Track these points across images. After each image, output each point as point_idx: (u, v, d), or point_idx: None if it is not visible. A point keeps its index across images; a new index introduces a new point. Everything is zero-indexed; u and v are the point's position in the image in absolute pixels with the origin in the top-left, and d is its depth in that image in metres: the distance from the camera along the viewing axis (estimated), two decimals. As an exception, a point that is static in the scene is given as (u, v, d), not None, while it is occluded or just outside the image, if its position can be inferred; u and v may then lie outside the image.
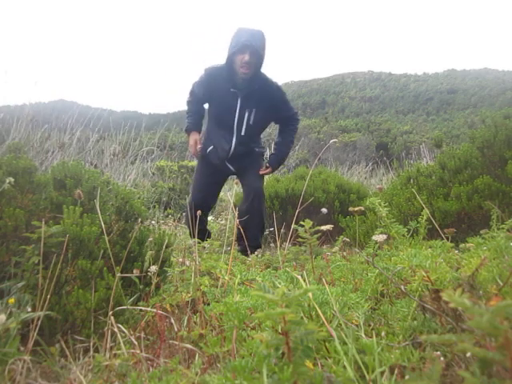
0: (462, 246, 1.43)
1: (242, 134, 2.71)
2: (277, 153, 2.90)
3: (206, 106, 2.90)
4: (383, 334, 0.86)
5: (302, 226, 1.22)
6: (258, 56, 2.55)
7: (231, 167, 2.83)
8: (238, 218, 2.60)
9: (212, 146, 2.79)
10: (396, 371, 0.73)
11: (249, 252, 2.35)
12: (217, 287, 1.36)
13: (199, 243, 2.25)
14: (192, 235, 2.71)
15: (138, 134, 6.55)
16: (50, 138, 4.88)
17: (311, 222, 1.21)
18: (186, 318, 1.21)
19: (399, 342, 0.82)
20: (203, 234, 2.88)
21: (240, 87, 2.64)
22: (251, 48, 2.50)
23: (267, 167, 2.86)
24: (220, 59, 2.74)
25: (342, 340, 0.76)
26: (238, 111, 2.67)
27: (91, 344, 1.06)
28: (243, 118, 2.69)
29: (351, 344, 0.73)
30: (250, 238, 2.58)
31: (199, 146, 2.78)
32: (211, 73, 2.72)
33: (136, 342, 1.01)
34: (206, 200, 2.85)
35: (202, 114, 2.92)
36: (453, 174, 2.73)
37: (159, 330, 1.04)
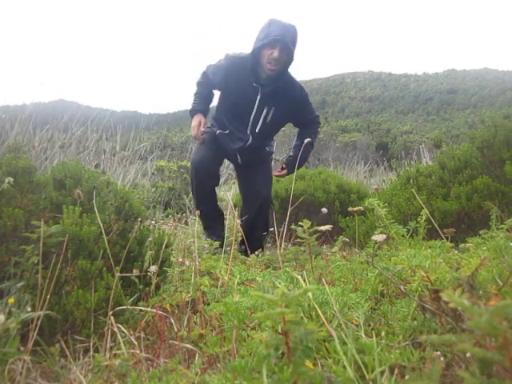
0: (461, 246, 1.43)
1: (257, 131, 2.56)
2: (295, 156, 2.67)
3: (217, 92, 2.70)
4: (383, 334, 0.86)
5: (301, 226, 1.22)
6: (288, 53, 2.34)
7: (239, 159, 2.68)
8: (242, 223, 2.59)
9: (228, 131, 2.60)
10: (396, 371, 0.73)
11: (249, 252, 2.35)
12: (217, 287, 1.36)
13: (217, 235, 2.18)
14: (197, 205, 2.60)
15: (138, 133, 6.55)
16: (51, 139, 4.88)
17: (309, 223, 1.21)
18: (186, 318, 1.21)
19: (399, 342, 0.82)
20: (217, 218, 2.77)
21: (263, 82, 2.45)
22: (282, 43, 2.28)
23: (283, 168, 2.70)
24: (219, 58, 2.68)
25: (342, 340, 0.76)
26: (256, 107, 2.50)
27: (91, 344, 1.06)
28: (260, 115, 2.52)
29: (351, 344, 0.73)
30: (254, 241, 2.57)
31: (203, 129, 2.55)
32: (233, 62, 2.50)
33: (136, 342, 1.01)
34: (211, 165, 2.60)
35: (211, 100, 2.69)
36: (452, 174, 2.73)
37: (159, 329, 1.04)
